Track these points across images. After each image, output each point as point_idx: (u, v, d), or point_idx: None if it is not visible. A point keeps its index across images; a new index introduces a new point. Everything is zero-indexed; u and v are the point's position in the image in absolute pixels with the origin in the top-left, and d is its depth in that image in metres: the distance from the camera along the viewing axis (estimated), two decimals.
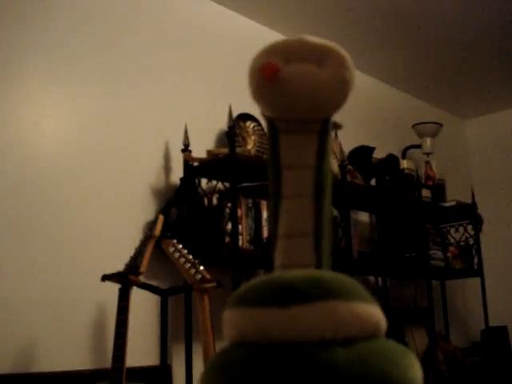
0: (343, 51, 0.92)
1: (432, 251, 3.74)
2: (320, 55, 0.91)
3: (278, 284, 0.86)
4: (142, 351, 2.53)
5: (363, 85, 4.09)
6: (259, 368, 0.80)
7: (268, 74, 0.89)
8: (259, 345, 0.82)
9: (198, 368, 2.51)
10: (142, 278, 2.17)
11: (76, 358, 2.36)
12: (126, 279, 2.09)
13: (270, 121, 0.97)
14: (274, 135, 0.97)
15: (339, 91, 0.92)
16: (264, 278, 0.90)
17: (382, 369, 0.80)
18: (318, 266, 0.93)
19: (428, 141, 4.12)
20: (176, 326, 2.65)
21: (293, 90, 0.90)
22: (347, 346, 0.80)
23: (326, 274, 0.89)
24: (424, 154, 4.12)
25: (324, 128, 0.96)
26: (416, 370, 0.85)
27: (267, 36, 3.30)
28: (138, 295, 2.26)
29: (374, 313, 0.86)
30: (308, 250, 0.93)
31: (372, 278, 3.64)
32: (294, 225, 0.94)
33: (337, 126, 1.01)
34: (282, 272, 0.92)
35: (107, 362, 2.19)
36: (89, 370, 2.36)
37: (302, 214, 0.94)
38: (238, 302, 0.89)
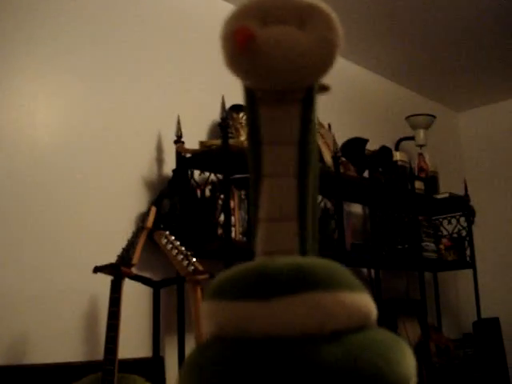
0: (328, 9, 0.81)
1: (425, 243, 3.75)
2: (301, 15, 0.80)
3: (256, 274, 0.78)
4: (134, 343, 2.53)
5: (356, 76, 4.08)
6: (238, 366, 0.74)
7: (241, 40, 0.80)
8: (238, 340, 0.75)
9: None
10: (134, 270, 2.16)
11: (68, 349, 2.35)
12: (118, 271, 2.08)
13: (247, 91, 0.87)
14: (252, 107, 0.87)
15: (324, 55, 0.81)
16: (242, 267, 0.82)
17: (371, 365, 0.73)
18: (303, 252, 0.85)
19: (421, 133, 4.12)
20: (168, 318, 2.65)
21: (271, 56, 0.79)
22: (334, 340, 0.74)
23: (310, 261, 0.81)
24: (417, 145, 4.13)
25: (308, 97, 0.85)
26: (409, 363, 0.79)
27: None
28: (130, 287, 2.25)
29: (362, 302, 0.80)
30: (291, 235, 0.84)
31: (365, 270, 3.65)
32: (276, 207, 0.85)
33: (323, 89, 0.89)
34: (262, 260, 0.84)
35: (99, 354, 2.19)
36: (81, 362, 2.35)
37: (285, 194, 0.85)
38: (215, 293, 0.81)
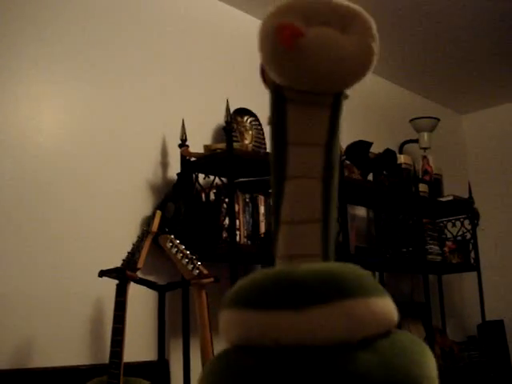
0: (368, 16, 0.81)
1: (429, 246, 3.74)
2: (344, 19, 0.79)
3: (288, 283, 0.75)
4: (139, 346, 2.53)
5: None
6: (272, 376, 0.71)
7: (288, 38, 0.76)
8: (270, 350, 0.73)
9: (196, 363, 2.50)
10: (139, 274, 2.16)
11: (74, 353, 2.36)
12: (123, 275, 2.09)
13: (277, 89, 0.84)
14: (280, 106, 0.84)
15: (364, 61, 0.82)
16: (267, 273, 0.78)
17: (407, 371, 0.73)
18: (325, 256, 0.82)
19: (425, 135, 4.12)
20: (174, 322, 2.65)
21: (316, 57, 0.77)
22: (366, 347, 0.73)
23: (339, 267, 0.79)
24: (421, 148, 4.13)
25: (337, 101, 0.85)
26: (433, 364, 0.79)
27: None
28: (135, 291, 2.25)
29: (389, 307, 0.79)
30: (315, 239, 0.81)
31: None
32: (300, 209, 0.82)
33: (344, 97, 0.90)
34: (288, 267, 0.80)
35: (105, 358, 2.19)
36: (86, 366, 2.36)
37: (310, 196, 0.82)
38: (240, 301, 0.77)
